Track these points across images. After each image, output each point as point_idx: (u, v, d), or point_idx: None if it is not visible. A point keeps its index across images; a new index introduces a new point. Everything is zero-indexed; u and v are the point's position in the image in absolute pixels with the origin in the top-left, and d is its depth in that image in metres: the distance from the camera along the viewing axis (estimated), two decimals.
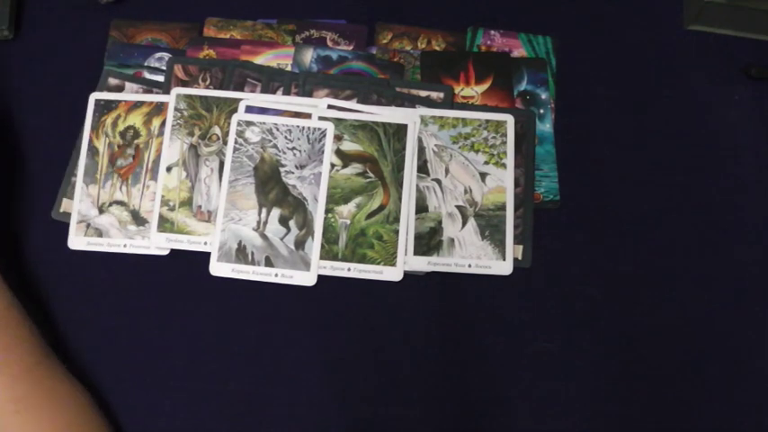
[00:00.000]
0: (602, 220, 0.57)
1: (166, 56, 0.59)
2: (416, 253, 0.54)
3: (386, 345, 0.54)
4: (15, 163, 0.51)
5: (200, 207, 0.55)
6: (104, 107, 0.57)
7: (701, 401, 0.54)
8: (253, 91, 0.58)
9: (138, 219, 0.55)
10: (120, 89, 0.58)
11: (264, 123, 0.56)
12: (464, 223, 0.55)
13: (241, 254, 0.54)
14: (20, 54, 0.60)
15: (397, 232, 0.54)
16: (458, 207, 0.55)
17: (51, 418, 0.46)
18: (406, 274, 0.54)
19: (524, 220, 0.56)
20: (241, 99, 0.57)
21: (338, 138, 0.56)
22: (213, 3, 0.62)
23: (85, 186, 0.56)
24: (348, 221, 0.55)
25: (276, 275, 0.53)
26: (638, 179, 0.58)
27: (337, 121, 0.56)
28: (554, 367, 0.54)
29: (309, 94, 0.57)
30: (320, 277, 0.54)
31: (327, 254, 0.54)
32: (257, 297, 0.54)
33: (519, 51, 0.61)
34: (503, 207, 0.55)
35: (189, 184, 0.55)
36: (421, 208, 0.55)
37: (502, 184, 0.56)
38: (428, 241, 0.55)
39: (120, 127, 0.57)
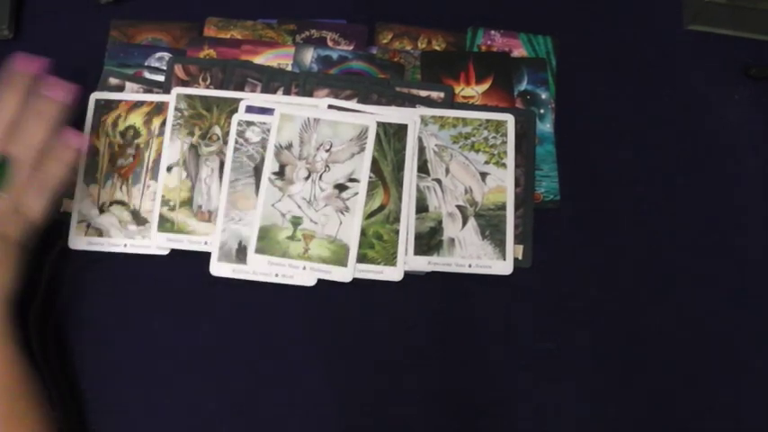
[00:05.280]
0: (602, 220, 0.57)
1: (166, 56, 0.59)
2: (417, 253, 0.54)
3: (386, 345, 0.54)
4: None
5: (200, 207, 0.55)
6: (104, 107, 0.57)
7: (700, 401, 0.54)
8: (253, 91, 0.57)
9: (139, 218, 0.55)
10: (120, 89, 0.58)
11: (265, 123, 0.56)
12: (464, 223, 0.55)
13: (241, 254, 0.54)
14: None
15: (397, 232, 0.54)
16: (458, 207, 0.55)
17: None
18: (407, 274, 0.54)
19: (524, 220, 0.56)
20: (241, 99, 0.57)
21: None
22: (213, 3, 0.62)
23: (86, 186, 0.55)
24: None
25: (276, 275, 0.53)
26: (637, 179, 0.58)
27: None
28: (554, 367, 0.54)
29: (309, 94, 0.57)
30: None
31: None
32: (257, 297, 0.54)
33: (519, 51, 0.61)
34: (503, 207, 0.55)
35: (189, 184, 0.55)
36: (421, 208, 0.55)
37: (502, 183, 0.56)
38: (428, 241, 0.55)
39: (121, 127, 0.57)
